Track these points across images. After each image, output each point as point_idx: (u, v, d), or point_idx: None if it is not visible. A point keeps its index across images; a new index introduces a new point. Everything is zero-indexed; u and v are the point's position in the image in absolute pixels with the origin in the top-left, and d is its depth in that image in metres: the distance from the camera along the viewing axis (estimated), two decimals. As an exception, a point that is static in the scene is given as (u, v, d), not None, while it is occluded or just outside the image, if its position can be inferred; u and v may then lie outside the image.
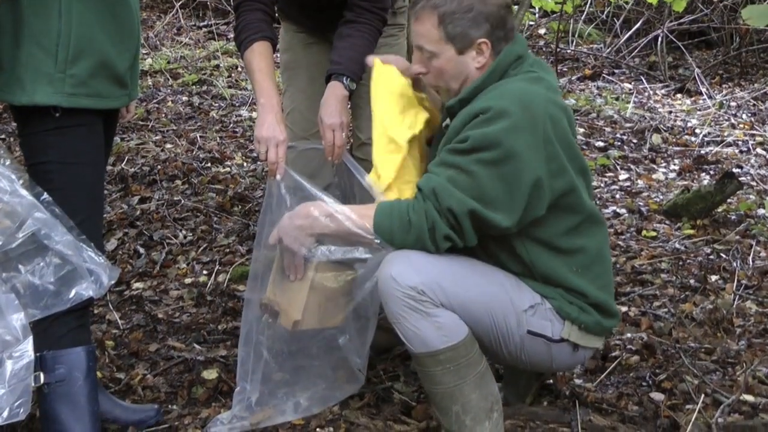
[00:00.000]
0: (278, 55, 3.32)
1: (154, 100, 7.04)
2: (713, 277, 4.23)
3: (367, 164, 3.30)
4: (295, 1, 3.44)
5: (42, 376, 2.66)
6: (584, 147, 6.13)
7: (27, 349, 2.53)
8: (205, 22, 8.75)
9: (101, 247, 2.80)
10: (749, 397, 3.19)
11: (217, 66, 7.94)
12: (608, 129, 6.53)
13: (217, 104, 7.09)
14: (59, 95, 2.60)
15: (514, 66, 2.73)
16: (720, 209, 4.97)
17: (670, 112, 7.02)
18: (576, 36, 8.35)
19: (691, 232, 4.79)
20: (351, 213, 2.64)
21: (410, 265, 2.63)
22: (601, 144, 6.23)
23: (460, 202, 2.52)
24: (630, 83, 7.76)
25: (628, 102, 7.14)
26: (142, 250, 4.58)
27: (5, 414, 2.48)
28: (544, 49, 8.66)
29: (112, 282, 2.70)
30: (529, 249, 2.70)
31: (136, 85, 2.92)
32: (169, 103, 7.03)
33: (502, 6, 2.71)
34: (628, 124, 6.62)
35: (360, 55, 3.11)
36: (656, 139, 6.33)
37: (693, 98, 7.41)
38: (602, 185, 5.53)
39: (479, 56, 2.71)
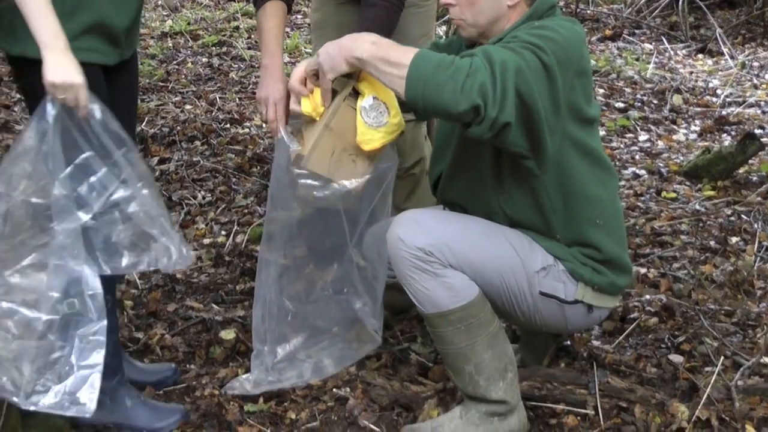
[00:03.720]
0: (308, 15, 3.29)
1: (174, 62, 7.04)
2: (734, 239, 4.21)
3: None
4: None
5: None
6: (604, 108, 6.09)
7: (102, 334, 2.53)
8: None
9: None
10: (770, 360, 3.19)
11: (237, 27, 7.92)
12: (628, 90, 6.49)
13: (236, 65, 7.08)
14: None
15: (548, 14, 2.65)
16: (741, 170, 4.95)
17: (692, 73, 6.97)
18: (596, -4, 8.30)
19: (712, 193, 4.77)
20: (398, 45, 2.52)
21: (418, 226, 2.61)
22: (621, 105, 6.20)
23: (513, 59, 2.39)
24: (651, 44, 7.70)
25: (649, 63, 7.09)
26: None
27: (71, 407, 2.52)
28: (564, 9, 8.58)
29: (183, 266, 2.71)
30: (553, 197, 2.65)
31: (131, 45, 2.85)
32: (189, 65, 7.03)
33: None
34: (648, 85, 6.58)
35: (381, 27, 3.08)
36: (677, 99, 6.29)
37: (715, 59, 7.36)
38: (622, 146, 5.50)
39: None
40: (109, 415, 2.78)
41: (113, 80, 2.73)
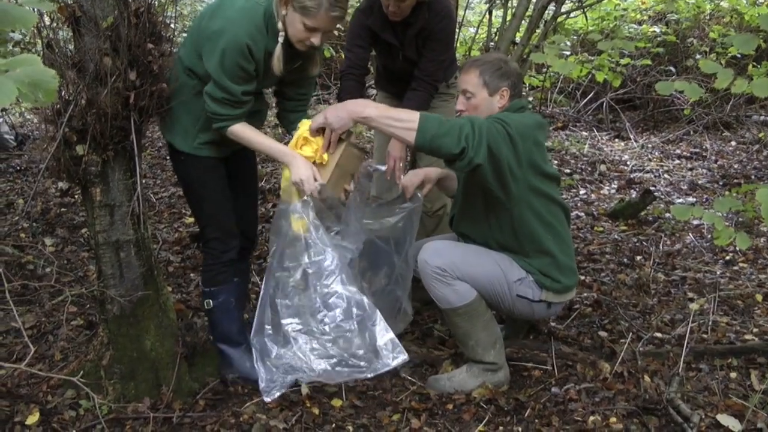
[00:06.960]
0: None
1: (282, 142, 7.10)
2: (638, 257, 4.17)
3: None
4: (387, 76, 3.51)
5: (211, 302, 2.69)
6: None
7: (379, 318, 2.54)
8: (315, 93, 8.82)
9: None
10: (659, 334, 3.17)
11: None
12: (573, 161, 6.45)
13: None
14: (187, 146, 2.57)
15: (518, 111, 2.66)
16: (642, 213, 4.91)
17: (611, 151, 6.91)
18: (552, 102, 8.24)
19: (625, 228, 4.73)
20: (398, 109, 2.44)
21: (436, 252, 2.62)
22: (568, 171, 6.15)
23: (487, 124, 2.39)
24: (586, 132, 7.63)
25: (585, 144, 7.04)
26: (273, 237, 4.58)
27: (391, 363, 2.53)
28: (531, 110, 8.50)
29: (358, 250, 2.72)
30: (522, 224, 2.62)
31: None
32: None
33: (518, 71, 2.69)
34: (585, 158, 6.53)
35: (418, 106, 3.10)
36: (603, 168, 6.25)
37: (625, 142, 7.30)
38: (569, 198, 5.47)
39: (501, 100, 2.67)
40: (236, 371, 2.73)
41: (234, 159, 2.74)
